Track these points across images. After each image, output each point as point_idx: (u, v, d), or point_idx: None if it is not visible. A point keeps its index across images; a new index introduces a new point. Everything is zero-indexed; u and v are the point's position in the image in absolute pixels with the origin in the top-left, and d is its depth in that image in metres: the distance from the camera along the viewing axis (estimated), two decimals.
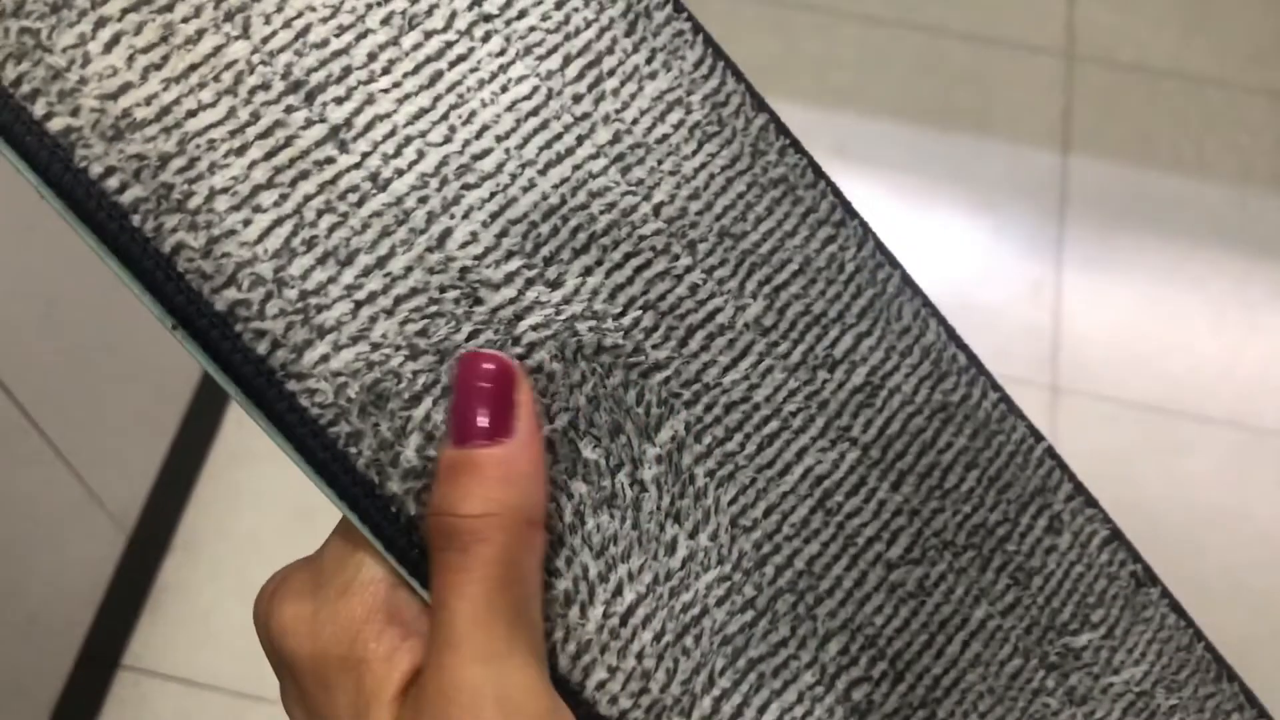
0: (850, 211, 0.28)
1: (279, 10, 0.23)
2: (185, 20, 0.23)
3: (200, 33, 0.23)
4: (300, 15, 0.23)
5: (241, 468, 1.13)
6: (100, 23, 0.22)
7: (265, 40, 0.23)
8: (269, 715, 1.01)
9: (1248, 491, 1.26)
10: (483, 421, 0.22)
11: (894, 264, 0.28)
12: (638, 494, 0.24)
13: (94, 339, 0.90)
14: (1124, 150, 1.48)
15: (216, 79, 0.22)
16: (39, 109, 0.21)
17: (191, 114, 0.22)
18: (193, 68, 0.22)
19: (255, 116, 0.23)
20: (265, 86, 0.23)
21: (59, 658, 0.97)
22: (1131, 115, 1.51)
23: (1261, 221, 1.44)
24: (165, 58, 0.22)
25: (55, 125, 0.21)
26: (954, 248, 1.40)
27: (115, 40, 0.22)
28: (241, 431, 1.16)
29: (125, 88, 0.22)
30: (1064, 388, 1.31)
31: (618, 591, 0.23)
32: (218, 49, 0.23)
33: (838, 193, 0.28)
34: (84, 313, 0.89)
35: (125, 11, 0.22)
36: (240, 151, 0.22)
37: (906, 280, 0.28)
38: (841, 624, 0.26)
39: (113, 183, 0.21)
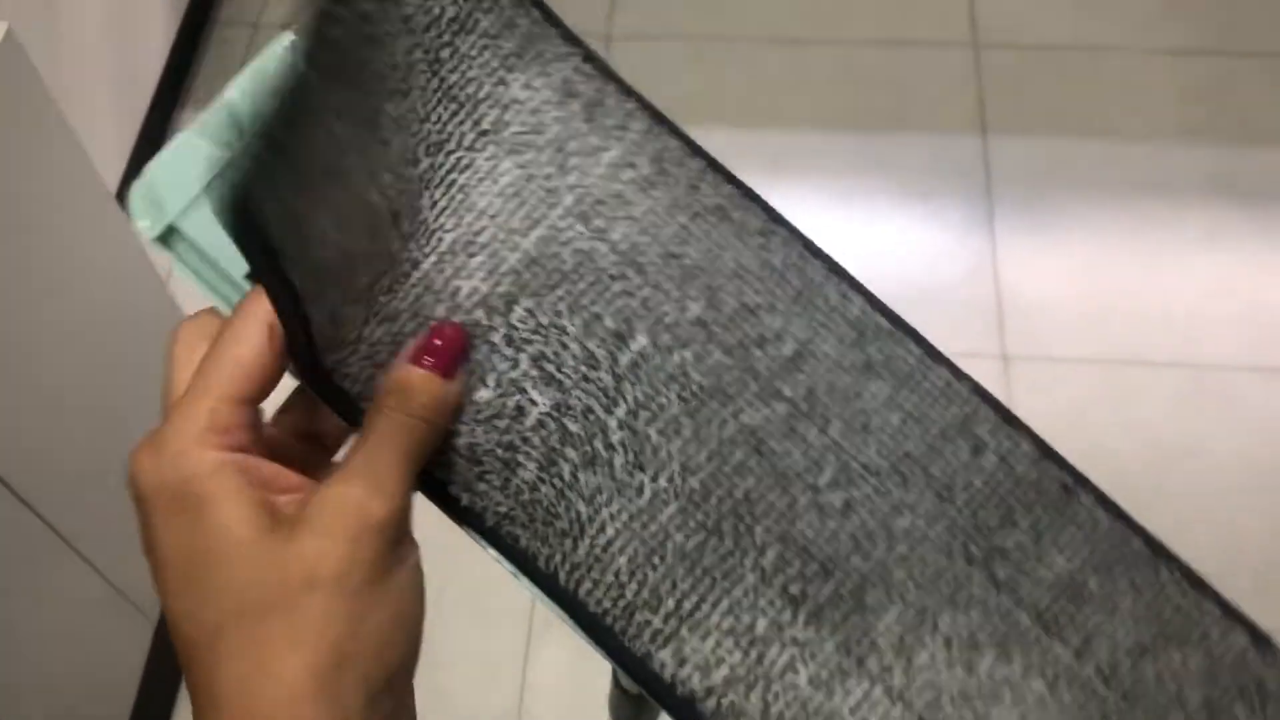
0: (777, 220, 0.34)
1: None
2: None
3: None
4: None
5: None
6: None
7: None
8: None
9: (1198, 426, 1.32)
10: (430, 361, 0.31)
11: (819, 256, 0.33)
12: (610, 455, 0.32)
13: (106, 444, 0.96)
14: (1039, 125, 1.56)
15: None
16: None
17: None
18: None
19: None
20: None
21: None
22: (1041, 92, 1.60)
23: (1177, 171, 1.51)
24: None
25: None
26: (892, 239, 1.48)
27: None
28: None
29: None
30: (1014, 355, 1.38)
31: (601, 528, 0.32)
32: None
33: (765, 206, 0.34)
34: (94, 419, 0.94)
35: None
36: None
37: (832, 268, 0.33)
38: (777, 537, 0.32)
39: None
